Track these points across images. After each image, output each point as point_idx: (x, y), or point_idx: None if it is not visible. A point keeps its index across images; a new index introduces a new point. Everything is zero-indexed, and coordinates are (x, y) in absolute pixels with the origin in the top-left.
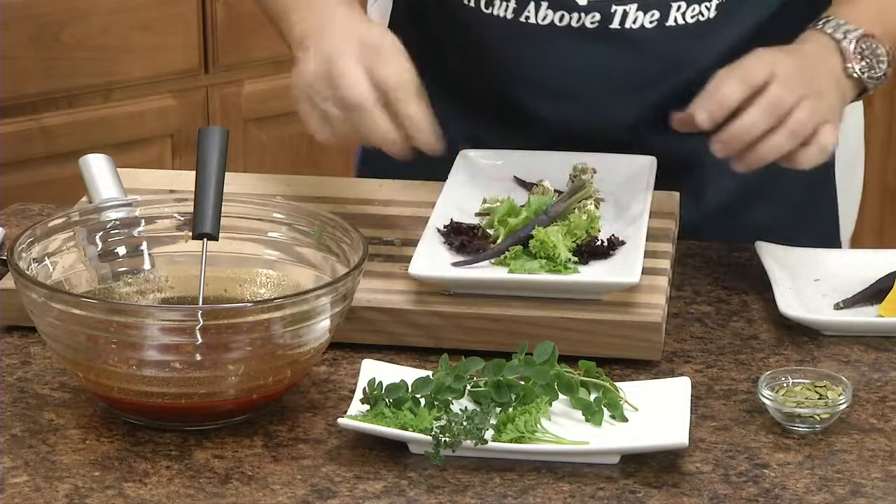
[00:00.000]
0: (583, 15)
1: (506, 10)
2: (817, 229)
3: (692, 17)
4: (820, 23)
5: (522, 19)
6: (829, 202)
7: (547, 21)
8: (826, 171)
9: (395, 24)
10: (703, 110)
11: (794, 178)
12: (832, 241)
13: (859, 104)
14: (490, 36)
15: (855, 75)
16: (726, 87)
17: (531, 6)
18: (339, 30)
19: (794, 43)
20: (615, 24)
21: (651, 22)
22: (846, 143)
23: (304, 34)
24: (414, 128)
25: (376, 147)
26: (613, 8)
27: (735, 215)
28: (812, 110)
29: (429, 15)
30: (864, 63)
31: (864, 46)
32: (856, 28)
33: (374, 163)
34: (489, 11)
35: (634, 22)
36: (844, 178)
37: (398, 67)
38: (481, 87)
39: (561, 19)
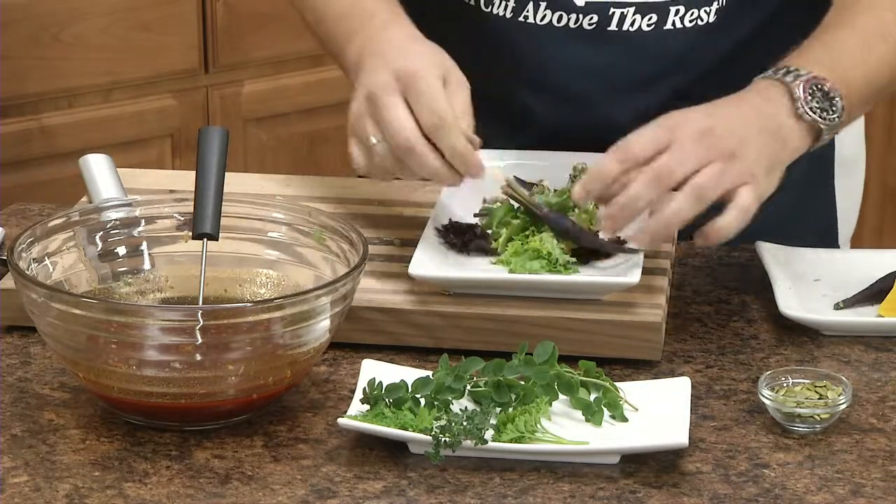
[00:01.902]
0: (580, 16)
1: (505, 9)
2: (814, 229)
3: (690, 22)
4: (769, 70)
5: (521, 18)
6: (826, 203)
7: (545, 21)
8: (824, 171)
9: None
10: (579, 184)
11: (790, 178)
12: (830, 241)
13: None
14: (490, 34)
15: (808, 116)
16: (606, 162)
17: (530, 6)
18: (383, 59)
19: (738, 92)
20: (612, 27)
21: (649, 25)
22: (843, 144)
23: (356, 63)
24: (458, 161)
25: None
26: (611, 10)
27: None
28: (717, 174)
29: (426, 11)
30: (815, 104)
31: (814, 87)
32: (807, 71)
33: None
34: (489, 10)
35: (632, 25)
36: (843, 179)
37: (435, 104)
38: (480, 85)
39: (559, 20)
